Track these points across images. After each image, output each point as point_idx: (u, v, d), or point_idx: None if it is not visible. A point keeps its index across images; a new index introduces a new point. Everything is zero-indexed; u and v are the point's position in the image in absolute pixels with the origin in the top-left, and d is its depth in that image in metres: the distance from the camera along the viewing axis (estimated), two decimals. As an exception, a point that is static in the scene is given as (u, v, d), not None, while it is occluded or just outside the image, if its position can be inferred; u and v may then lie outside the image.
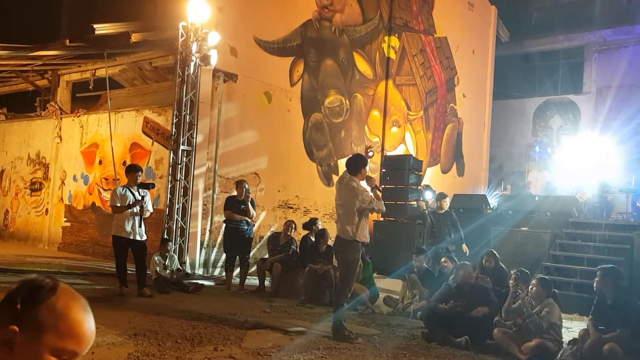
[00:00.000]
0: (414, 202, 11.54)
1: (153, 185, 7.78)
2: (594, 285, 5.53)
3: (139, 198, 7.33)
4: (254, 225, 9.11)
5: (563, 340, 5.87)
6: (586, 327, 5.55)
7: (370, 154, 6.48)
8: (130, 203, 7.29)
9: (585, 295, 8.13)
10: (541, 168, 15.25)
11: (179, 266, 8.81)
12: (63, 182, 12.87)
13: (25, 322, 1.12)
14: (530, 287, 5.92)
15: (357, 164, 6.12)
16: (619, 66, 18.27)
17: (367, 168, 6.21)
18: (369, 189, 6.13)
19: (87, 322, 1.19)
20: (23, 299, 1.14)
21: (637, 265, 9.32)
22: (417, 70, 15.67)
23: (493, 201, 12.61)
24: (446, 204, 9.89)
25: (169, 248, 8.46)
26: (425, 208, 10.79)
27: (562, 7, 20.04)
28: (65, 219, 12.50)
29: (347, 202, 6.01)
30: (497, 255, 7.41)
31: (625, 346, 5.09)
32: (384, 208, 6.36)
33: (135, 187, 7.47)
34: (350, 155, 6.55)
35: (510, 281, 6.31)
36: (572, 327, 7.30)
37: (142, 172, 7.91)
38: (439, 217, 9.72)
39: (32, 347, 1.11)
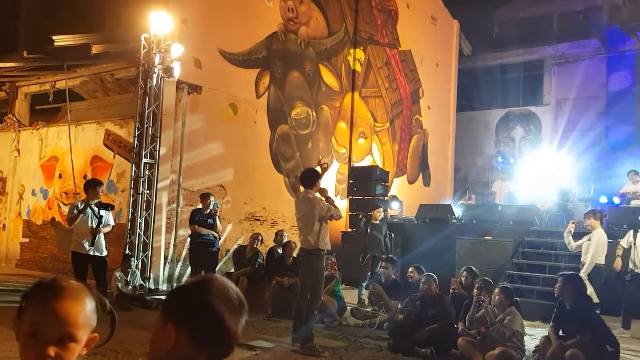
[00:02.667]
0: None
1: (112, 207, 7.58)
2: (555, 291, 5.63)
3: (98, 217, 7.20)
4: (220, 238, 8.99)
5: (526, 347, 5.95)
6: (547, 335, 5.64)
7: (325, 165, 6.78)
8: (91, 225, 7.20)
9: (547, 302, 8.26)
10: (504, 178, 15.54)
11: (142, 282, 8.62)
12: (21, 197, 12.48)
13: None
14: (493, 296, 5.99)
15: (311, 177, 6.52)
16: (576, 78, 18.88)
17: (320, 181, 6.52)
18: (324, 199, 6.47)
19: None
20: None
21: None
22: (383, 83, 15.85)
23: (458, 211, 12.77)
24: (379, 214, 9.99)
25: (131, 264, 8.26)
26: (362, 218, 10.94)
27: (522, 21, 20.63)
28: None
29: (307, 214, 6.29)
30: (476, 270, 7.45)
31: (586, 352, 5.18)
32: (341, 214, 6.75)
33: (96, 203, 7.31)
34: (304, 170, 7.05)
35: (474, 290, 6.37)
36: (535, 335, 7.41)
37: (102, 186, 7.73)
38: (373, 227, 9.87)
39: None
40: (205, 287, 1.38)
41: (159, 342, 1.35)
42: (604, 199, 12.15)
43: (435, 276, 6.64)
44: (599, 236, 7.70)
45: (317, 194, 6.43)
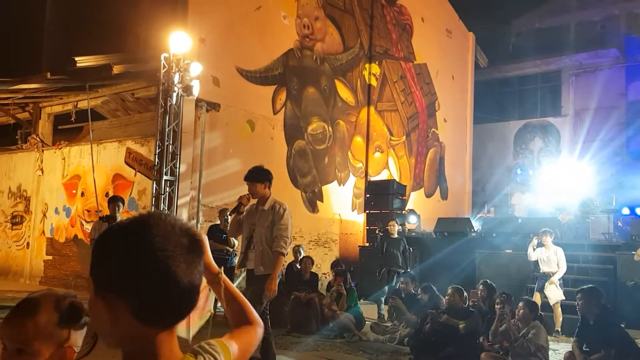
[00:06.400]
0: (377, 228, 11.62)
1: (114, 219, 7.58)
2: (577, 307, 5.55)
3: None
4: (236, 254, 9.03)
5: (550, 362, 5.87)
6: (571, 349, 5.56)
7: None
8: None
9: (570, 316, 8.15)
10: (523, 190, 15.40)
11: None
12: (45, 215, 12.70)
13: None
14: (517, 309, 5.94)
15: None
16: (595, 88, 18.72)
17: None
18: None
19: None
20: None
21: (620, 284, 9.40)
22: (398, 97, 15.89)
23: (477, 224, 12.67)
24: (393, 228, 9.94)
25: None
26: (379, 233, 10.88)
27: (538, 32, 20.57)
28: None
29: None
30: (493, 285, 7.44)
31: (611, 367, 5.10)
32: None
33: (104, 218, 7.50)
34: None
35: (496, 305, 6.32)
36: (559, 349, 7.30)
37: (122, 202, 7.87)
38: (390, 242, 9.80)
39: None
40: (137, 235, 1.00)
41: (97, 322, 1.04)
42: (626, 211, 11.96)
43: (462, 289, 6.60)
44: (561, 250, 8.80)
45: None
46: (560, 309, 8.52)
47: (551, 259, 8.72)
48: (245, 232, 5.21)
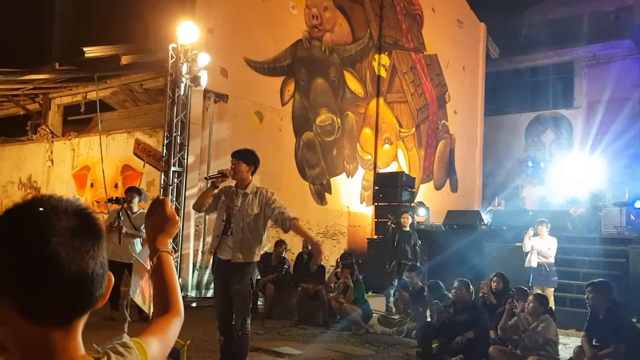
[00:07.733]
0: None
1: (118, 201, 7.56)
2: (586, 301, 5.47)
3: (123, 219, 7.36)
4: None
5: (560, 356, 5.80)
6: (580, 344, 5.49)
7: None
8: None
9: (581, 310, 8.04)
10: (535, 183, 15.24)
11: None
12: (54, 206, 12.75)
13: None
14: (527, 303, 5.88)
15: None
16: (608, 80, 18.43)
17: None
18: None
19: None
20: None
21: (632, 278, 9.29)
22: (408, 88, 15.76)
23: (487, 217, 12.56)
24: (407, 221, 9.83)
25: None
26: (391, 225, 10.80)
27: (551, 23, 20.28)
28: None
29: None
30: (506, 277, 7.38)
31: (621, 362, 5.02)
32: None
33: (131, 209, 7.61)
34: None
35: (509, 300, 6.26)
36: (569, 343, 7.23)
37: (138, 193, 7.91)
38: (401, 235, 9.71)
39: None
40: (13, 221, 0.91)
41: None
42: (639, 204, 11.80)
43: (468, 282, 6.54)
44: (555, 240, 8.84)
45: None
46: (552, 294, 8.45)
47: (545, 251, 8.73)
48: (221, 214, 4.80)
